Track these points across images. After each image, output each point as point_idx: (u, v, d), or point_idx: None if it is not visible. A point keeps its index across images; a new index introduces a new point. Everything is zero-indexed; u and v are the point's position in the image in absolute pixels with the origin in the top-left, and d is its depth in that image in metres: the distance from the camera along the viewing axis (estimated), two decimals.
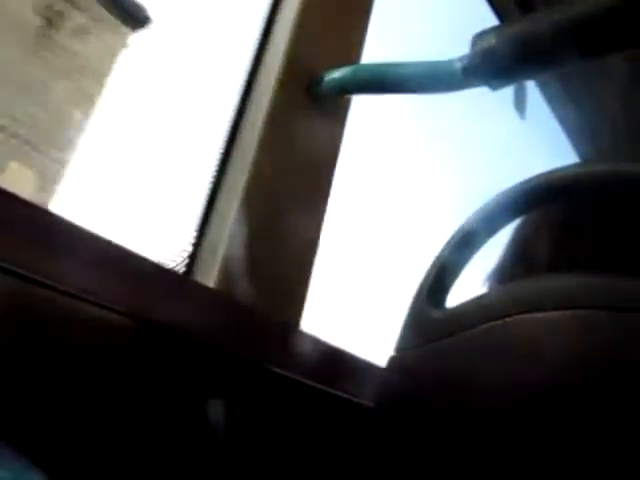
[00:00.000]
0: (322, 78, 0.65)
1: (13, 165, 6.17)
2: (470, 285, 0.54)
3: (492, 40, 0.52)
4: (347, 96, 0.70)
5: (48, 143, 6.44)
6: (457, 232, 0.49)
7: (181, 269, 0.59)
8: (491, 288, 0.54)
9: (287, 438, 0.57)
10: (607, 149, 1.54)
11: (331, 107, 0.68)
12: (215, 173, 0.62)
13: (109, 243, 0.45)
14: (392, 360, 0.48)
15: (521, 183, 0.47)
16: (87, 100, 6.71)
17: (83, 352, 0.43)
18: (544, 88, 1.40)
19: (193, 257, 0.59)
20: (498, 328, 0.42)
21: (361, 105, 0.73)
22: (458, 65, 0.55)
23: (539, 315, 0.40)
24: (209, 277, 0.57)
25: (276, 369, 0.56)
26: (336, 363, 0.63)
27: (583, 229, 0.50)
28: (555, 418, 0.38)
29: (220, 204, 0.61)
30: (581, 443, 0.37)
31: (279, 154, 0.63)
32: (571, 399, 0.37)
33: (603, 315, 0.37)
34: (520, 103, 0.87)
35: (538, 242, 0.52)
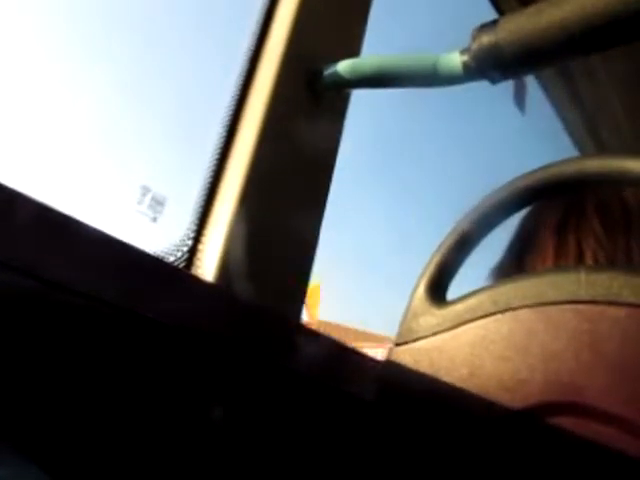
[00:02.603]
0: (321, 72, 0.65)
1: None
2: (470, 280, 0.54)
3: (492, 34, 0.52)
4: (346, 90, 0.69)
5: None
6: (455, 227, 0.49)
7: (181, 264, 0.59)
8: (492, 282, 0.54)
9: (287, 432, 0.57)
10: (608, 146, 1.54)
11: (330, 101, 0.68)
12: (214, 167, 0.62)
13: (107, 236, 0.45)
14: (392, 354, 0.48)
15: (518, 178, 0.47)
16: None
17: (80, 348, 0.43)
18: (545, 85, 1.40)
19: (193, 251, 0.59)
20: (498, 322, 0.42)
21: (359, 101, 0.72)
22: (458, 59, 0.54)
23: (540, 309, 0.40)
24: (209, 272, 0.57)
25: (277, 364, 0.56)
26: (335, 357, 0.63)
27: (587, 223, 0.50)
28: (555, 415, 0.38)
29: (220, 198, 0.61)
30: (580, 441, 0.37)
31: (278, 148, 0.63)
32: (571, 395, 0.37)
33: (603, 309, 0.37)
34: (520, 98, 0.86)
35: (542, 237, 0.52)
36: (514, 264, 0.53)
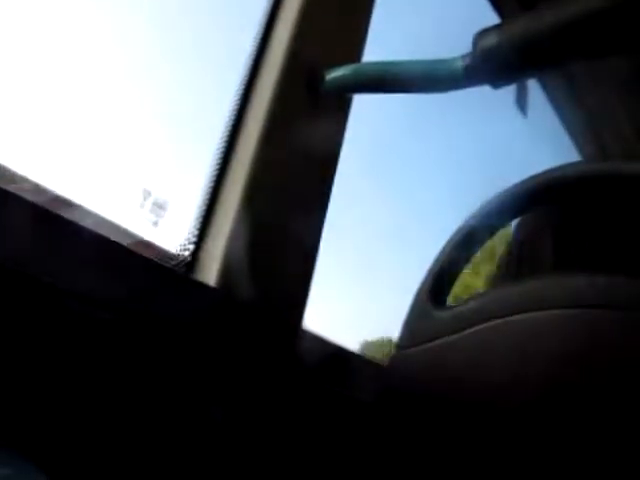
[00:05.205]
0: (323, 77, 0.65)
1: None
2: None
3: (494, 38, 0.52)
4: (348, 95, 0.70)
5: None
6: (457, 232, 0.49)
7: (182, 268, 0.59)
8: (493, 287, 0.54)
9: (289, 435, 0.57)
10: (610, 149, 1.54)
11: (332, 106, 0.68)
12: (216, 171, 0.62)
13: (109, 241, 0.45)
14: (394, 358, 0.48)
15: (521, 183, 0.47)
16: None
17: (82, 350, 0.43)
18: (547, 87, 1.39)
19: (194, 256, 0.59)
20: (499, 327, 0.42)
21: (360, 104, 0.73)
22: (460, 64, 0.54)
23: (540, 314, 0.40)
24: (210, 276, 0.57)
25: (278, 367, 0.56)
26: (338, 361, 0.63)
27: (584, 229, 0.50)
28: (555, 416, 0.38)
29: (221, 202, 0.61)
30: (578, 441, 0.37)
31: (280, 152, 0.63)
32: (571, 397, 0.37)
33: (603, 313, 0.37)
34: (522, 102, 0.87)
35: (540, 242, 0.52)
36: (513, 270, 0.53)
